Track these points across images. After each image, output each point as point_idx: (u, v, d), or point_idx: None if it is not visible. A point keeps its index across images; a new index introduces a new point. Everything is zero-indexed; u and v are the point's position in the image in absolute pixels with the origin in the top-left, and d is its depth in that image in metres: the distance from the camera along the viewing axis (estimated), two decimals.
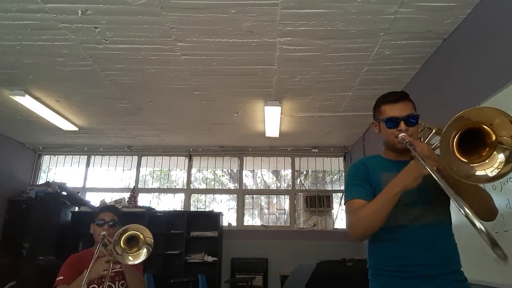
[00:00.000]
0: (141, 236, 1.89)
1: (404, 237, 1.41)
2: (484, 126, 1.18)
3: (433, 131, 1.63)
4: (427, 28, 2.87)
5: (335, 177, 6.70)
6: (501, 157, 1.17)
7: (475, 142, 1.21)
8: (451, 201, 1.44)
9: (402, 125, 1.46)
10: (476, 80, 2.55)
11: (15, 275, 4.73)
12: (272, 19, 2.79)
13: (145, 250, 1.88)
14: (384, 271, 1.44)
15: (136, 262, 1.87)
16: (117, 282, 2.04)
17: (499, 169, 1.17)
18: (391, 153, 1.57)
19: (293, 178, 6.60)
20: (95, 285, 1.96)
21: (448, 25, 2.82)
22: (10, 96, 4.11)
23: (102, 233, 2.03)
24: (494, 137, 1.18)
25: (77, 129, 5.32)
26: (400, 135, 1.44)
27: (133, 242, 1.89)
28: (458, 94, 2.78)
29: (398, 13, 2.70)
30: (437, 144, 1.55)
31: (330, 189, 6.55)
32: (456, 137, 1.19)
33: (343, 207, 6.42)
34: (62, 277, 1.95)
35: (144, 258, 1.87)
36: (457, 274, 1.41)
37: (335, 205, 6.42)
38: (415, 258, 1.37)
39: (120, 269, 2.01)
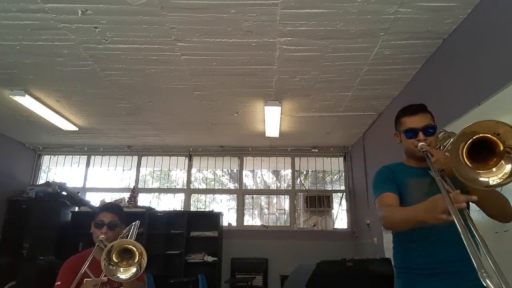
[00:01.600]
0: (137, 253, 1.67)
1: (427, 237, 1.52)
2: (491, 136, 1.22)
3: (452, 138, 1.70)
4: (427, 28, 2.87)
5: (335, 177, 6.70)
6: (508, 167, 1.22)
7: (485, 151, 1.26)
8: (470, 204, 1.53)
9: (421, 135, 1.60)
10: (476, 80, 2.55)
11: (15, 275, 4.73)
12: (272, 19, 2.78)
13: (134, 270, 1.65)
14: (410, 269, 1.56)
15: (124, 277, 1.66)
16: None
17: (502, 180, 1.22)
18: (413, 161, 1.69)
19: (293, 178, 6.60)
20: None
21: (448, 25, 2.82)
22: (10, 96, 4.11)
23: (100, 237, 1.88)
24: (502, 147, 1.22)
25: (77, 129, 5.32)
26: (419, 144, 1.57)
27: (127, 255, 1.69)
28: (458, 94, 2.78)
29: (398, 13, 2.70)
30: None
31: (330, 189, 6.55)
32: (465, 148, 1.25)
33: (343, 207, 6.45)
34: (59, 283, 1.83)
35: (129, 276, 1.65)
36: (476, 273, 1.46)
37: (335, 205, 6.42)
38: (438, 255, 1.49)
39: None
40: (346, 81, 3.84)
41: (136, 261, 1.65)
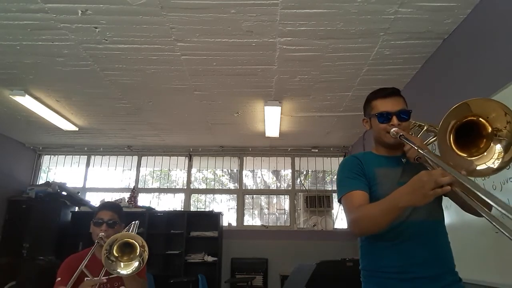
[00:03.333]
0: (138, 247, 1.64)
1: (399, 234, 1.35)
2: (481, 119, 1.18)
3: (425, 128, 1.60)
4: (427, 28, 2.87)
5: (335, 177, 6.69)
6: (498, 148, 1.17)
7: (469, 136, 1.21)
8: (443, 197, 1.42)
9: (394, 119, 1.44)
10: (476, 80, 2.55)
11: (15, 275, 4.73)
12: (272, 19, 2.79)
13: (136, 263, 1.62)
14: (380, 273, 1.38)
15: (125, 273, 1.64)
16: None
17: (500, 159, 1.16)
18: (382, 149, 1.54)
19: (293, 178, 6.60)
20: None
21: (448, 25, 2.82)
22: (10, 96, 4.11)
23: (100, 234, 1.86)
24: (490, 129, 1.17)
25: (77, 129, 5.32)
26: (392, 130, 1.41)
27: (127, 249, 1.66)
28: (458, 94, 2.78)
29: (398, 13, 2.70)
30: (430, 139, 1.53)
31: (330, 189, 6.54)
32: (453, 130, 1.19)
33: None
34: (60, 278, 1.82)
35: (131, 271, 1.62)
36: (454, 275, 1.38)
37: (335, 205, 6.42)
38: (414, 256, 1.32)
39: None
40: (346, 81, 3.84)
41: (137, 254, 1.63)
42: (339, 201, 1.47)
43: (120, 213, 2.02)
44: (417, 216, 1.36)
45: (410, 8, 2.63)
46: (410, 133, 1.51)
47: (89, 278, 1.76)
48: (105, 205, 2.04)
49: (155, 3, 2.59)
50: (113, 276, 1.73)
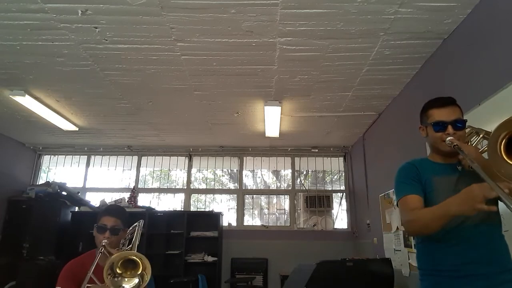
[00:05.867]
0: (141, 265, 1.63)
1: (455, 236, 1.43)
2: None
3: (481, 135, 1.66)
4: (427, 28, 2.87)
5: (335, 177, 6.71)
6: None
7: None
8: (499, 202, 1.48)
9: (450, 129, 1.50)
10: (476, 80, 2.55)
11: (15, 275, 4.73)
12: (272, 19, 2.78)
13: (136, 280, 1.62)
14: (436, 271, 1.46)
15: (128, 287, 1.62)
16: None
17: None
18: (438, 157, 1.60)
19: (293, 178, 6.60)
20: None
21: (448, 25, 2.82)
22: (10, 96, 4.11)
23: (103, 242, 1.81)
24: None
25: (77, 129, 5.32)
26: (448, 139, 1.48)
27: (130, 264, 1.66)
28: (458, 94, 2.75)
29: (398, 13, 2.70)
30: (485, 148, 1.56)
31: (330, 189, 6.55)
32: (504, 140, 1.21)
33: (343, 207, 6.45)
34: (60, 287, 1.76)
35: (133, 286, 1.61)
36: (510, 274, 1.42)
37: (335, 205, 6.42)
38: (467, 257, 1.40)
39: None
40: (346, 81, 3.84)
41: (139, 272, 1.61)
42: (397, 204, 1.58)
43: (124, 218, 1.97)
44: (472, 220, 1.42)
45: (410, 8, 2.63)
46: (466, 141, 1.60)
47: (90, 286, 1.72)
48: (109, 211, 1.98)
49: (155, 3, 2.59)
50: None
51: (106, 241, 1.81)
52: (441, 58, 3.12)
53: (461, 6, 2.59)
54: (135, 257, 1.61)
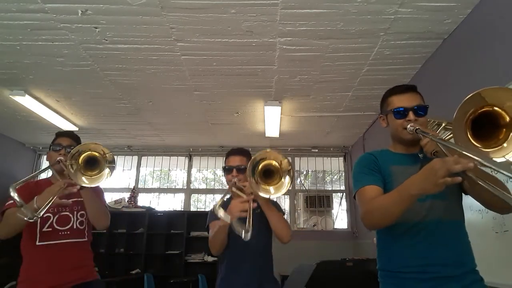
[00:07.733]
0: (98, 155, 1.62)
1: (417, 234, 1.33)
2: (497, 109, 1.12)
3: (442, 125, 1.56)
4: (427, 28, 2.87)
5: (335, 177, 6.70)
6: None
7: (486, 127, 1.14)
8: (463, 196, 1.41)
9: (411, 115, 1.41)
10: (476, 80, 2.55)
11: (15, 275, 4.72)
12: (272, 19, 2.79)
13: (107, 170, 1.64)
14: (398, 273, 1.35)
15: (96, 184, 1.64)
16: (75, 213, 1.86)
17: None
18: (399, 146, 1.49)
19: (293, 178, 6.59)
20: (50, 214, 1.79)
21: (448, 25, 2.82)
22: (10, 96, 4.11)
23: (58, 157, 1.81)
24: (508, 118, 1.11)
25: (77, 129, 5.32)
26: (409, 125, 1.39)
27: (93, 165, 1.63)
28: (458, 94, 2.76)
29: (398, 13, 2.70)
30: (447, 136, 1.48)
31: (330, 189, 6.55)
32: (469, 121, 1.13)
33: (343, 207, 6.45)
34: (12, 201, 1.69)
35: (107, 178, 1.63)
36: (475, 274, 1.35)
37: (335, 205, 6.42)
38: (432, 256, 1.30)
39: (79, 199, 1.80)
40: (346, 81, 3.84)
41: (102, 161, 1.66)
42: (354, 197, 1.46)
43: (79, 142, 1.98)
44: (434, 215, 1.33)
45: (410, 8, 2.63)
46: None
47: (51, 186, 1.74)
48: (62, 132, 2.02)
49: (155, 3, 2.59)
50: (73, 199, 1.77)
51: (62, 157, 1.83)
52: (441, 58, 3.12)
53: (461, 6, 2.60)
54: (96, 152, 1.65)
